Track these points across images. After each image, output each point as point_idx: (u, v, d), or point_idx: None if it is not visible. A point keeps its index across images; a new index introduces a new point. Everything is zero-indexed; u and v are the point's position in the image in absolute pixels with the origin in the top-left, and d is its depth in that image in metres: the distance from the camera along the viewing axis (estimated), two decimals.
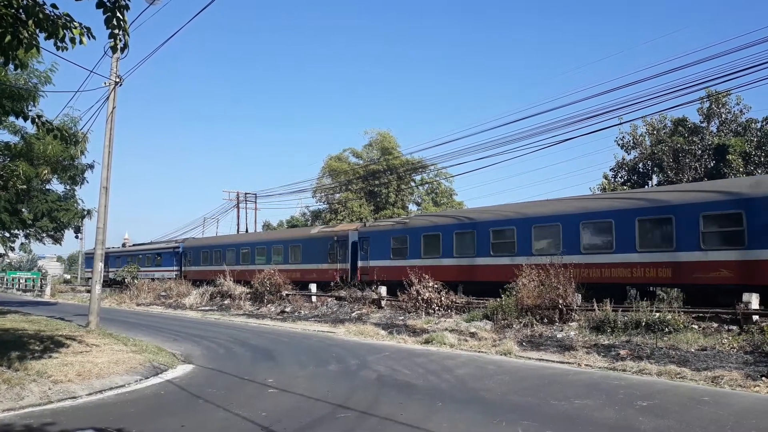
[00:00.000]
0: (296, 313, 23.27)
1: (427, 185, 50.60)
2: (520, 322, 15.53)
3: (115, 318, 22.41)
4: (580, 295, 15.98)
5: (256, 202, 49.56)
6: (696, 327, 13.40)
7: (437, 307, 18.98)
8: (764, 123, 29.82)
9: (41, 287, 48.31)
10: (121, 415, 7.30)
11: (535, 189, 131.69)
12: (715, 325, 13.51)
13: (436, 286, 19.40)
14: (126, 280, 41.52)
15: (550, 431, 6.49)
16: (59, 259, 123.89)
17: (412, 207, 49.40)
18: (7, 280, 57.55)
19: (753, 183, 15.34)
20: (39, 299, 40.40)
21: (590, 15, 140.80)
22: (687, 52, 76.83)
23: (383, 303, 21.75)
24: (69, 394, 8.33)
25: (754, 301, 13.31)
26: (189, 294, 31.51)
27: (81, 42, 5.35)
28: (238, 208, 48.79)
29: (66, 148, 14.20)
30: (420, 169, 46.77)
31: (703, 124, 32.13)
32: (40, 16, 5.15)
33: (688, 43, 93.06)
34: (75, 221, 19.55)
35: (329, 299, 24.25)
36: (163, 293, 33.51)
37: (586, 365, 11.12)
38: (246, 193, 49.28)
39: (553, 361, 11.71)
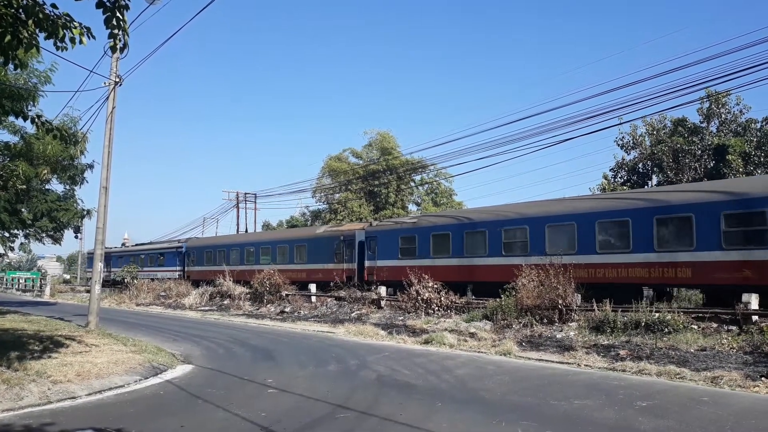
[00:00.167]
0: (296, 314, 23.28)
1: (426, 185, 50.63)
2: (520, 323, 15.53)
3: (115, 318, 22.41)
4: (579, 296, 15.97)
5: (255, 202, 49.64)
6: (695, 327, 13.42)
7: (437, 308, 18.98)
8: (764, 123, 29.84)
9: (41, 287, 48.29)
10: (121, 415, 7.30)
11: (535, 189, 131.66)
12: (715, 325, 13.52)
13: (435, 286, 19.39)
14: (125, 280, 41.39)
15: (549, 431, 6.49)
16: (59, 259, 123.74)
17: (412, 207, 49.43)
18: (6, 280, 57.53)
19: None
20: (38, 299, 40.40)
21: (590, 15, 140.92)
22: (687, 52, 76.99)
23: (383, 303, 21.76)
24: (68, 394, 8.33)
25: (753, 301, 13.32)
26: (188, 294, 31.54)
27: (81, 42, 5.35)
28: (237, 208, 48.84)
29: (66, 148, 14.23)
30: (420, 169, 46.78)
31: (703, 125, 32.13)
32: (40, 15, 5.15)
33: (688, 43, 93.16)
34: (74, 221, 19.58)
35: (329, 299, 24.25)
36: (163, 293, 33.52)
37: (586, 365, 11.12)
38: (246, 193, 49.34)
39: (553, 362, 11.71)
